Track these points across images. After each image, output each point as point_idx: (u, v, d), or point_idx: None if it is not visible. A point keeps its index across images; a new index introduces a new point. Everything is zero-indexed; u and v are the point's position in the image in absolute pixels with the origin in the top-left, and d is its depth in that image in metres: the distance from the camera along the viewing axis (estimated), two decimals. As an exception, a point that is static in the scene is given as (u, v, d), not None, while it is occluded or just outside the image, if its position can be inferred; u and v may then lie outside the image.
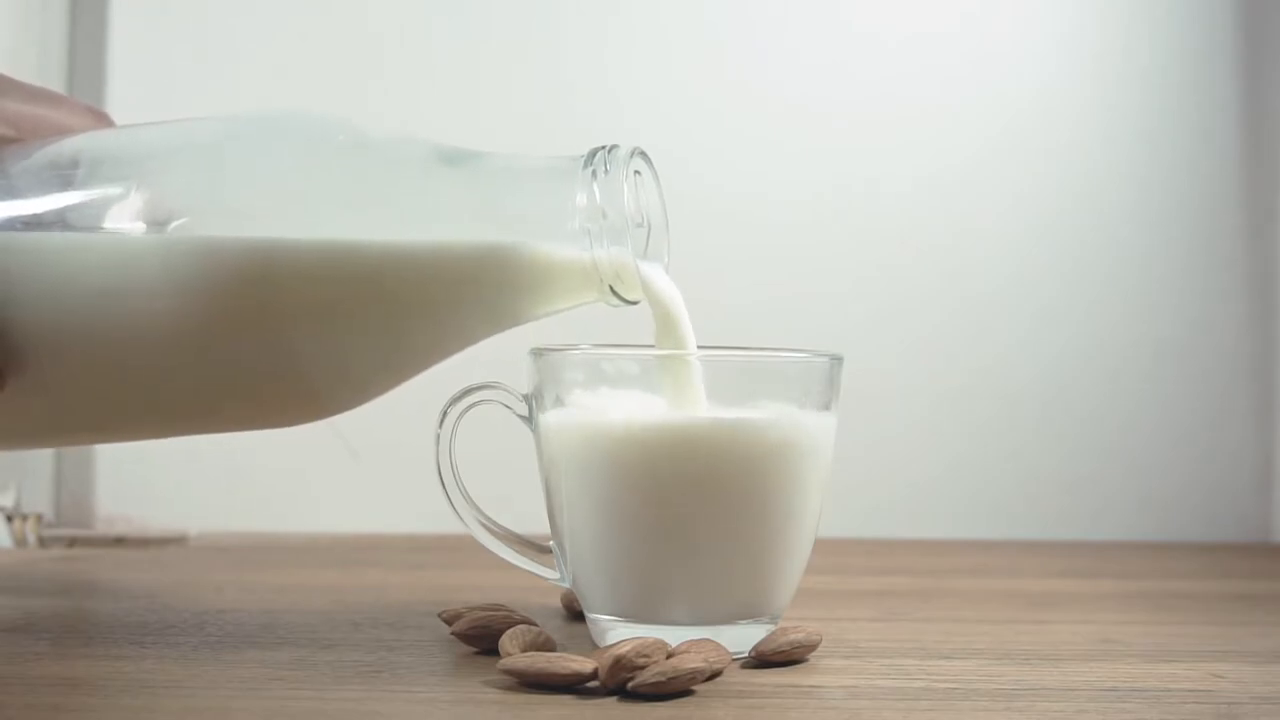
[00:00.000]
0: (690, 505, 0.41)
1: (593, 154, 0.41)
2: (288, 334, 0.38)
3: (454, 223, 0.40)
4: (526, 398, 0.45)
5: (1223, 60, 0.82)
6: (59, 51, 0.78)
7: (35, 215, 0.37)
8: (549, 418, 0.44)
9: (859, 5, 0.83)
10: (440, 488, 0.45)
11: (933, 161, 0.82)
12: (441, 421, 0.45)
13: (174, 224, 0.37)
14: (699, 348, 0.44)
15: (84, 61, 0.79)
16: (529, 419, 0.45)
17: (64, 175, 0.38)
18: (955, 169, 0.82)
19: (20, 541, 0.73)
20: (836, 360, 0.44)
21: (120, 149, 0.39)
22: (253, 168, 0.38)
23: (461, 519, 0.46)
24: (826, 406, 0.44)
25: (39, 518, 0.75)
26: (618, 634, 0.42)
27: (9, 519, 0.73)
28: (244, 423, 0.43)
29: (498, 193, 0.40)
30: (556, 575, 0.45)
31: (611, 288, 0.41)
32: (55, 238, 0.37)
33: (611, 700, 0.37)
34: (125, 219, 0.37)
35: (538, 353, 0.44)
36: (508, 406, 0.45)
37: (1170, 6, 0.82)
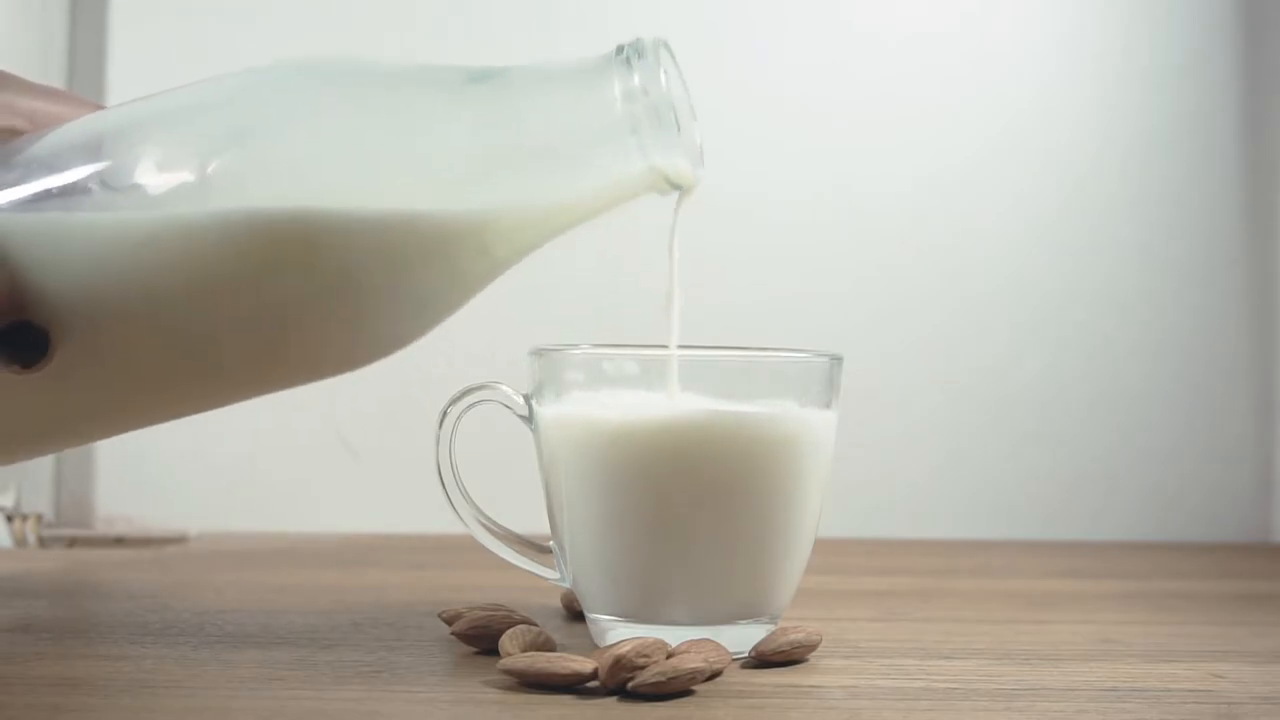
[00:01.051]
0: (690, 504, 0.41)
1: (619, 48, 0.41)
2: (342, 299, 0.38)
3: (494, 146, 0.39)
4: (526, 398, 0.45)
5: (1223, 60, 0.82)
6: (59, 51, 0.78)
7: (70, 185, 0.37)
8: (549, 417, 0.44)
9: (859, 5, 0.83)
10: (440, 488, 0.45)
11: (933, 161, 0.82)
12: (441, 421, 0.45)
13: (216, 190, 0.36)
14: (697, 347, 0.44)
15: (84, 61, 0.79)
16: (529, 419, 0.45)
17: (91, 147, 0.38)
18: (955, 169, 0.82)
19: (20, 541, 0.73)
20: (836, 360, 0.44)
21: (140, 118, 0.39)
22: (289, 131, 0.37)
23: (461, 519, 0.46)
24: (827, 406, 0.44)
25: (39, 518, 0.75)
26: (618, 634, 0.42)
27: (9, 519, 0.73)
28: (293, 381, 0.42)
29: (534, 102, 0.39)
30: (556, 575, 0.45)
31: (661, 174, 0.41)
32: (92, 212, 0.36)
33: (611, 700, 0.37)
34: (158, 187, 0.37)
35: (538, 353, 0.44)
36: (508, 406, 0.45)
37: (1170, 6, 0.82)
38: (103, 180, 0.37)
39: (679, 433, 0.41)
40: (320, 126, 0.38)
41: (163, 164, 0.37)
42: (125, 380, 0.38)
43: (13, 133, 0.39)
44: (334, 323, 0.39)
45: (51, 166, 0.37)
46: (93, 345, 0.37)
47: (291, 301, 0.38)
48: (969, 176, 0.82)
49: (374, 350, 0.41)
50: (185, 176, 0.37)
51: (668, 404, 0.42)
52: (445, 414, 0.45)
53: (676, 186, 0.42)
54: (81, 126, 0.39)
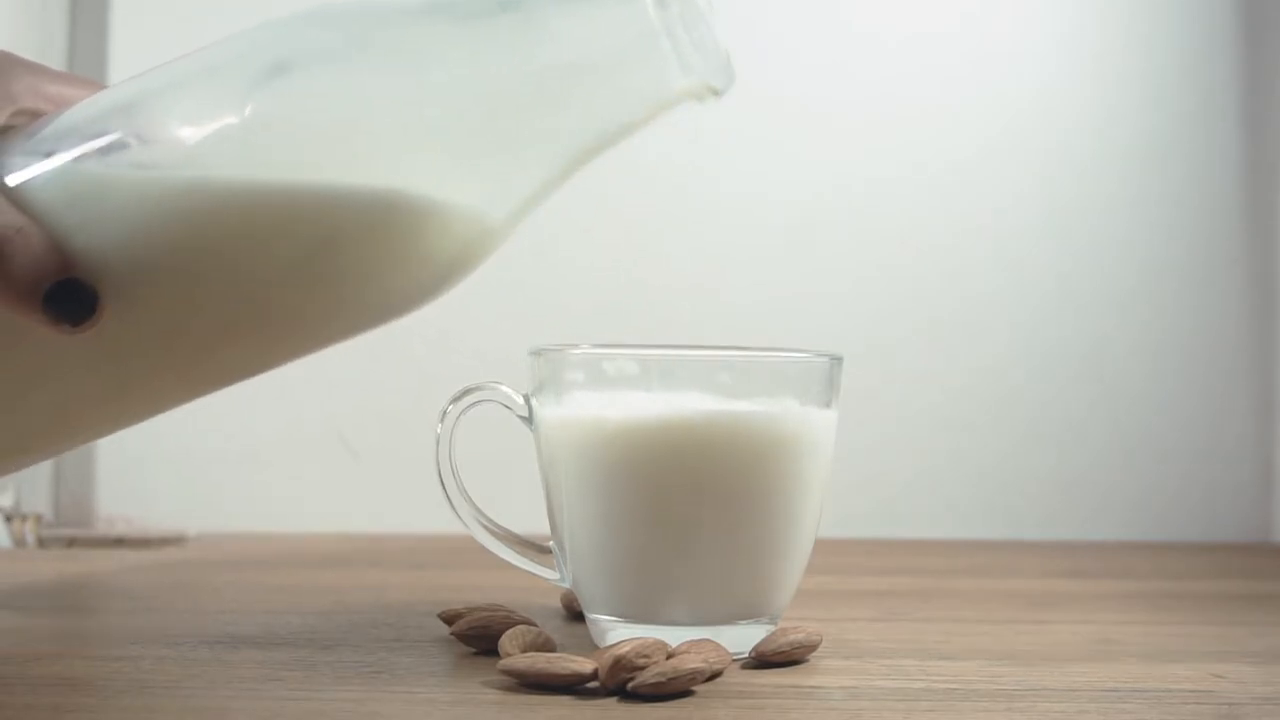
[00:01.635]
0: (690, 504, 0.41)
1: None
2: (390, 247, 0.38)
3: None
4: (526, 398, 0.45)
5: (1223, 60, 0.82)
6: (59, 51, 0.78)
7: (106, 145, 0.37)
8: (549, 417, 0.44)
9: (859, 5, 0.83)
10: (440, 488, 0.45)
11: (933, 161, 0.82)
12: (441, 421, 0.45)
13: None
14: (699, 349, 0.44)
15: (84, 61, 0.79)
16: (529, 419, 0.45)
17: (123, 108, 0.38)
18: (955, 169, 0.82)
19: (20, 541, 0.73)
20: (836, 360, 0.44)
21: (176, 75, 0.39)
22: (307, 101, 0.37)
23: (461, 519, 0.46)
24: (827, 406, 0.44)
25: (39, 518, 0.75)
26: (618, 634, 0.42)
27: (8, 519, 0.73)
28: (348, 334, 0.42)
29: (567, 22, 0.39)
30: (556, 575, 0.45)
31: (701, 80, 0.41)
32: (131, 169, 0.36)
33: (611, 700, 0.37)
34: (195, 143, 0.37)
35: (538, 353, 0.44)
36: (508, 407, 0.45)
37: (1170, 6, 0.82)
38: (139, 136, 0.37)
39: (679, 433, 0.41)
40: (352, 84, 0.37)
41: (199, 120, 0.37)
42: (167, 343, 0.38)
43: (38, 115, 0.39)
44: (382, 272, 0.38)
45: (84, 132, 0.37)
46: (135, 305, 0.36)
47: (334, 258, 0.37)
48: (969, 176, 0.82)
49: (425, 292, 0.41)
50: (222, 135, 0.37)
51: (668, 404, 0.42)
52: (445, 414, 0.45)
53: (714, 92, 0.42)
54: (110, 94, 0.39)
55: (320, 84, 0.37)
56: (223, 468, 0.78)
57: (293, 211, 0.36)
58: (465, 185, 0.40)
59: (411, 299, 0.41)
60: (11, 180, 0.36)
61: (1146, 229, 0.82)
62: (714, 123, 0.83)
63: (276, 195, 0.36)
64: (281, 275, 0.37)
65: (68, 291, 0.35)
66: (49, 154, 0.37)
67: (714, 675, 0.40)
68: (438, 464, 0.45)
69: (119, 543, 0.73)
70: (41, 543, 0.73)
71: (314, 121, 0.37)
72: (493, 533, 0.46)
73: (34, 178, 0.36)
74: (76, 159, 0.36)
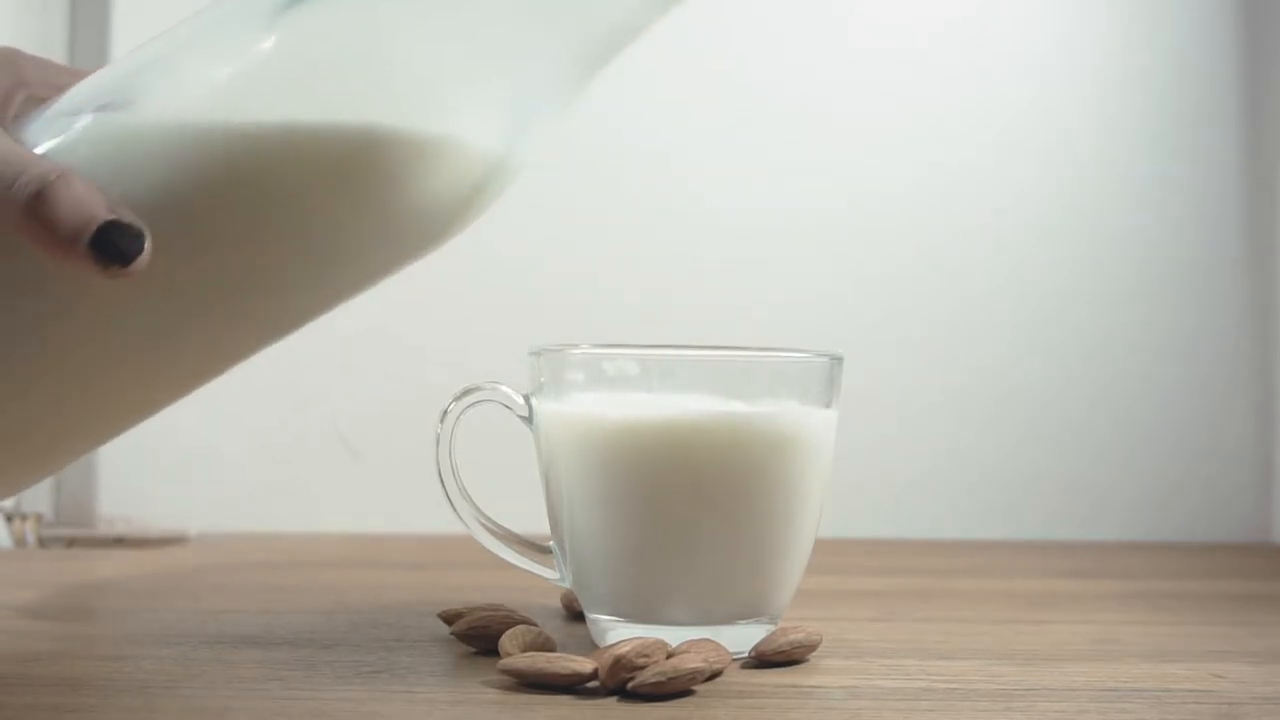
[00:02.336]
0: (690, 504, 0.41)
1: None
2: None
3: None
4: (526, 398, 0.45)
5: (1223, 60, 0.82)
6: (60, 50, 0.78)
7: (117, 100, 0.37)
8: (549, 417, 0.44)
9: (859, 5, 0.83)
10: (440, 488, 0.45)
11: (933, 162, 0.82)
12: (442, 421, 0.45)
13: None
14: (699, 349, 0.44)
15: (84, 60, 0.79)
16: (529, 419, 0.45)
17: (131, 70, 0.38)
18: (955, 169, 0.82)
19: (20, 541, 0.73)
20: (836, 360, 0.44)
21: (181, 35, 0.39)
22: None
23: (461, 519, 0.46)
24: (827, 406, 0.44)
25: (39, 518, 0.75)
26: (618, 634, 0.42)
27: (9, 519, 0.73)
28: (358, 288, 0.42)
29: None
30: (556, 575, 0.45)
31: None
32: (145, 115, 0.36)
33: (611, 700, 0.37)
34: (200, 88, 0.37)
35: (538, 353, 0.44)
36: (508, 407, 0.45)
37: (1170, 7, 0.82)
38: (157, 87, 0.37)
39: (679, 433, 0.41)
40: (358, 13, 0.37)
41: (218, 64, 0.37)
42: (216, 293, 0.37)
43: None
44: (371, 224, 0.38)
45: (100, 95, 0.37)
46: (174, 255, 0.36)
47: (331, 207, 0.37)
48: (969, 176, 0.82)
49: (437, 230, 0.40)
50: (241, 76, 0.37)
51: (668, 404, 0.42)
52: (446, 413, 0.45)
53: None
54: (119, 63, 0.39)
55: (328, 18, 0.37)
56: (223, 468, 0.78)
57: (314, 149, 0.36)
58: (477, 110, 0.39)
59: (444, 225, 0.40)
60: (39, 150, 0.36)
61: (1146, 229, 0.82)
62: (714, 123, 0.83)
63: (297, 134, 0.36)
64: (314, 209, 0.37)
65: (115, 231, 0.34)
66: (69, 120, 0.37)
67: (714, 675, 0.40)
68: (438, 464, 0.45)
69: (119, 543, 0.73)
70: (41, 543, 0.73)
71: (330, 56, 0.37)
72: (493, 533, 0.46)
73: (58, 142, 0.36)
74: (97, 116, 0.36)
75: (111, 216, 0.34)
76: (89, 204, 0.34)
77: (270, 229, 0.37)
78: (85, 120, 0.36)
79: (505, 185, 0.41)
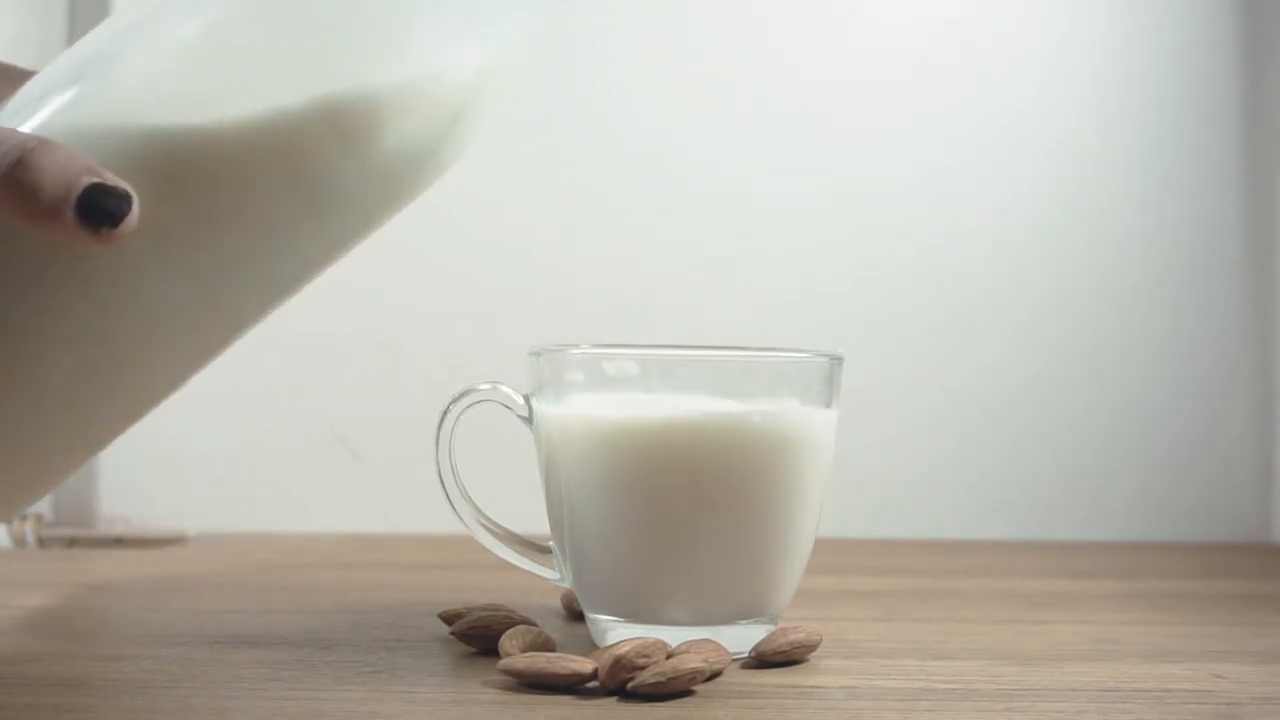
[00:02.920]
0: (690, 504, 0.41)
1: None
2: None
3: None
4: (526, 398, 0.45)
5: (1223, 60, 0.82)
6: (59, 50, 0.78)
7: (63, 104, 0.37)
8: (549, 417, 0.44)
9: (859, 5, 0.83)
10: (440, 488, 0.45)
11: (933, 162, 0.82)
12: (441, 421, 0.45)
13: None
14: (699, 349, 0.44)
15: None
16: (529, 419, 0.45)
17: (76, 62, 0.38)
18: (955, 169, 0.82)
19: (20, 541, 0.73)
20: (836, 360, 0.44)
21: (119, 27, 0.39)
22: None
23: (461, 519, 0.46)
24: (827, 406, 0.44)
25: (39, 518, 0.75)
26: (618, 634, 0.42)
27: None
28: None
29: None
30: (556, 575, 0.45)
31: None
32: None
33: (611, 700, 0.37)
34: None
35: (538, 353, 0.44)
36: (508, 407, 0.45)
37: (1170, 7, 0.82)
38: (97, 89, 0.37)
39: (679, 433, 0.41)
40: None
41: (151, 65, 0.37)
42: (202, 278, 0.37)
43: None
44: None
45: (49, 92, 0.37)
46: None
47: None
48: (969, 176, 0.82)
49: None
50: (173, 74, 0.36)
51: (668, 404, 0.42)
52: (445, 414, 0.45)
53: None
54: (65, 58, 0.39)
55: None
56: (223, 468, 0.78)
57: (256, 140, 0.36)
58: (432, 45, 0.39)
59: (433, 161, 0.40)
60: None
61: (1146, 229, 0.82)
62: (714, 123, 0.83)
63: (239, 130, 0.36)
64: (269, 202, 0.37)
65: (101, 193, 0.34)
66: (21, 119, 0.37)
67: (714, 675, 0.40)
68: (438, 464, 0.45)
69: (119, 543, 0.73)
70: (41, 543, 0.73)
71: (274, 30, 0.37)
72: (493, 533, 0.46)
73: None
74: (47, 117, 0.36)
75: (96, 179, 0.34)
76: (72, 168, 0.33)
77: (247, 212, 0.37)
78: (37, 121, 0.36)
79: (492, 101, 0.41)
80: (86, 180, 0.33)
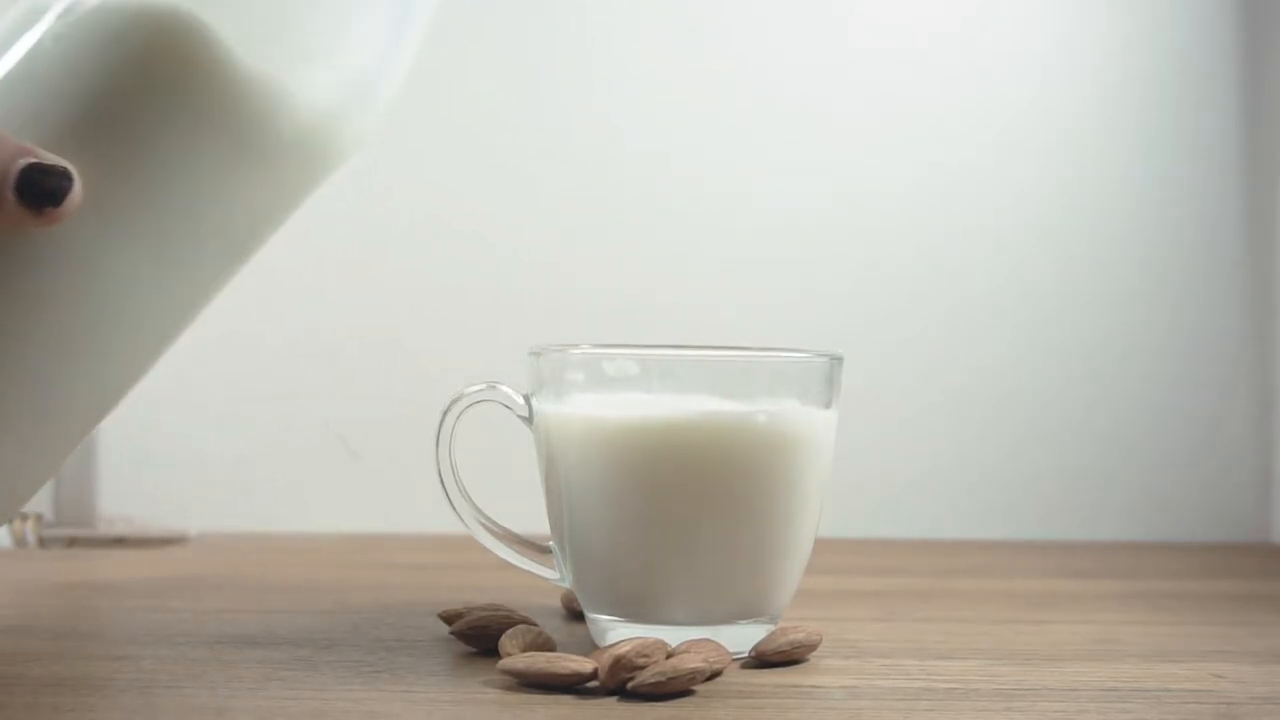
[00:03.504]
0: (690, 503, 0.41)
1: None
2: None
3: None
4: (526, 398, 0.45)
5: (1223, 60, 0.82)
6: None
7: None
8: (549, 417, 0.44)
9: (859, 5, 0.83)
10: (440, 488, 0.45)
11: (932, 162, 0.82)
12: (441, 421, 0.45)
13: None
14: (699, 349, 0.44)
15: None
16: (529, 419, 0.45)
17: None
18: (955, 169, 0.82)
19: (20, 541, 0.73)
20: (836, 360, 0.44)
21: None
22: None
23: (461, 519, 0.46)
24: (827, 406, 0.44)
25: (39, 518, 0.75)
26: (618, 634, 0.42)
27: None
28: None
29: None
30: (556, 575, 0.45)
31: None
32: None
33: (611, 700, 0.37)
34: None
35: (538, 353, 0.44)
36: (508, 407, 0.45)
37: (1170, 7, 0.82)
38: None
39: (679, 433, 0.41)
40: None
41: None
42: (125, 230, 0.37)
43: None
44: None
45: None
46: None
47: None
48: (969, 176, 0.82)
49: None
50: None
51: (668, 404, 0.42)
52: (445, 414, 0.45)
53: None
54: None
55: None
56: (223, 468, 0.78)
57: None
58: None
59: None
60: None
61: (1146, 229, 0.82)
62: (715, 123, 0.83)
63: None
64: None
65: (39, 172, 0.33)
66: None
67: (714, 675, 0.40)
68: (438, 464, 0.45)
69: (119, 543, 0.73)
70: (41, 543, 0.73)
71: None
72: (493, 533, 0.46)
73: None
74: None
75: (33, 159, 0.33)
76: (5, 151, 0.33)
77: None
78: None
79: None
80: (23, 162, 0.33)
